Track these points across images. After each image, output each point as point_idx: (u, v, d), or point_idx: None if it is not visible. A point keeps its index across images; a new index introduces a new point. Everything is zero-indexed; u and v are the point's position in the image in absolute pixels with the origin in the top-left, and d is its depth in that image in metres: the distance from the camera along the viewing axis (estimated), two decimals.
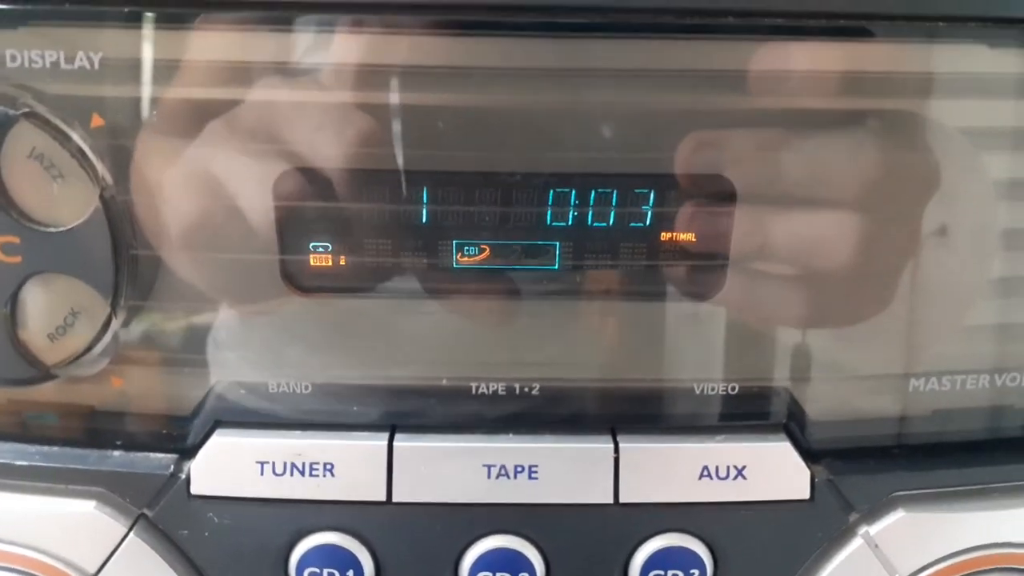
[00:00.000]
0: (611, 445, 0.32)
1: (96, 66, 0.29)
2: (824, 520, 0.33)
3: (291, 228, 0.31)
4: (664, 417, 0.33)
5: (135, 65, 0.29)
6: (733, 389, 0.33)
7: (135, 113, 0.30)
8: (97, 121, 0.30)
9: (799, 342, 0.33)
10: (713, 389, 0.33)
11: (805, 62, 0.30)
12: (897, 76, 0.31)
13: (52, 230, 0.30)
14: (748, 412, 0.33)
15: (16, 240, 0.30)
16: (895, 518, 0.32)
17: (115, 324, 0.32)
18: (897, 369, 0.33)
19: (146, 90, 0.30)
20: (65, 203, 0.30)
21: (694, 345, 0.33)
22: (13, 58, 0.29)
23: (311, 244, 0.32)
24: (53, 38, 0.29)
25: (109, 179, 0.30)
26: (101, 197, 0.30)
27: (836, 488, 0.32)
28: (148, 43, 0.29)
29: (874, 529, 0.32)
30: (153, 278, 0.32)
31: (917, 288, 0.32)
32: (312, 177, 0.31)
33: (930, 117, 0.31)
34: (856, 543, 0.33)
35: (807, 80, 0.30)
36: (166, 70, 0.30)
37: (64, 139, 0.30)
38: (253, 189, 0.31)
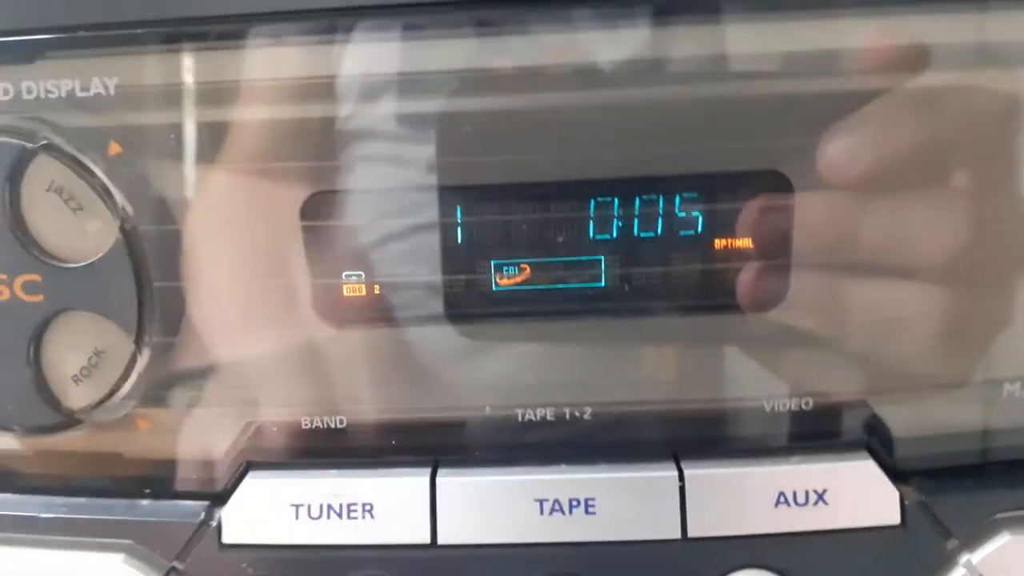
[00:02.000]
0: (675, 472, 0.30)
1: (112, 92, 0.28)
2: (919, 548, 0.30)
3: (320, 255, 0.30)
4: (732, 439, 0.31)
5: (151, 90, 0.29)
6: (807, 405, 0.30)
7: (154, 139, 0.29)
8: (115, 149, 0.29)
9: (876, 350, 0.30)
10: (784, 406, 0.30)
11: (867, 40, 0.28)
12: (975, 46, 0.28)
13: (73, 265, 0.29)
14: (825, 430, 0.31)
15: (37, 278, 0.29)
16: (1000, 543, 0.29)
17: (140, 363, 0.30)
18: (988, 375, 0.31)
19: (164, 115, 0.29)
20: (86, 236, 0.29)
21: (760, 359, 0.31)
22: (29, 90, 0.29)
23: (343, 273, 0.30)
24: (68, 68, 0.28)
25: (130, 209, 0.29)
26: (122, 228, 0.29)
27: (930, 511, 0.30)
28: (164, 67, 0.29)
29: (976, 557, 0.30)
30: (179, 313, 0.30)
31: (1006, 284, 0.30)
32: (340, 200, 0.30)
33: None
34: (958, 574, 0.30)
35: (869, 59, 0.28)
36: (182, 93, 0.29)
37: (82, 170, 0.29)
38: (279, 214, 0.30)
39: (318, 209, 0.30)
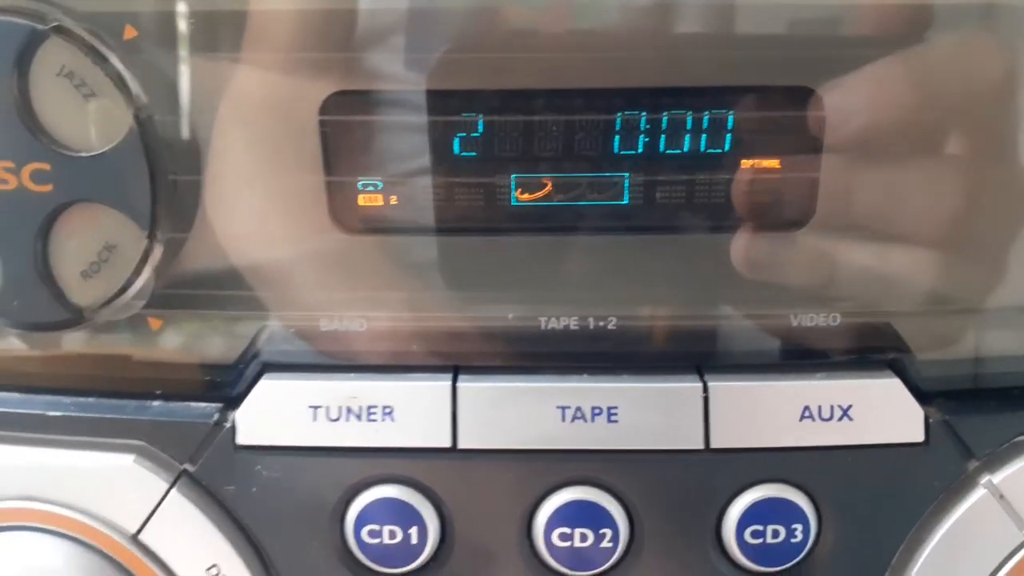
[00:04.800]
0: (699, 384, 0.29)
1: None
2: (940, 467, 0.30)
3: (339, 161, 0.29)
4: (756, 354, 0.30)
5: None
6: (834, 321, 0.30)
7: (171, 25, 0.28)
8: (130, 33, 0.28)
9: (902, 271, 0.30)
10: (811, 321, 0.30)
11: None
12: None
13: (84, 155, 0.28)
14: (850, 348, 0.30)
15: (46, 167, 0.28)
16: (1021, 464, 0.29)
17: (153, 258, 0.29)
18: (1017, 300, 0.30)
19: None
20: (98, 125, 0.28)
21: (786, 276, 0.30)
22: None
23: (360, 183, 0.29)
24: None
25: (144, 98, 0.28)
26: (136, 117, 0.28)
27: (953, 430, 0.30)
28: None
29: (998, 477, 0.29)
30: (194, 208, 0.29)
31: None
32: (361, 101, 0.29)
33: None
34: (978, 493, 0.29)
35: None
36: None
37: (95, 55, 0.27)
38: (299, 112, 0.28)
39: (338, 109, 0.28)
